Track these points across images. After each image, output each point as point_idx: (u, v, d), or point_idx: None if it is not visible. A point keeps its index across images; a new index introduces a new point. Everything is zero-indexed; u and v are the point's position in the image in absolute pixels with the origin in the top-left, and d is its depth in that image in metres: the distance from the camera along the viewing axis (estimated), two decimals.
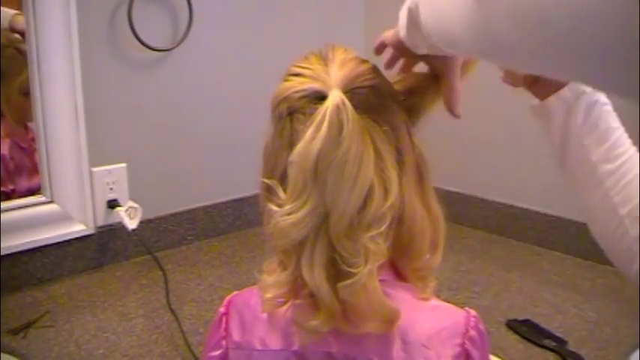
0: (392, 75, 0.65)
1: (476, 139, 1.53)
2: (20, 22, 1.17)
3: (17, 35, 1.19)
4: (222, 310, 0.62)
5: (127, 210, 1.30)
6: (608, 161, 0.65)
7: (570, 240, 1.37)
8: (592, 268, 1.31)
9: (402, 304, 0.54)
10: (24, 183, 1.25)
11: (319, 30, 1.60)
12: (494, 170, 1.52)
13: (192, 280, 1.28)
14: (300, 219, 0.50)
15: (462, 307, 0.59)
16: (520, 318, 1.09)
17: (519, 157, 1.46)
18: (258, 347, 0.57)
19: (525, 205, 1.46)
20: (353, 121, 0.50)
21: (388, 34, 0.66)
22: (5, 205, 1.18)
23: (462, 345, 0.55)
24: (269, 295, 0.55)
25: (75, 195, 1.26)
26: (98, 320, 1.10)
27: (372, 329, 0.53)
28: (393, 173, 0.53)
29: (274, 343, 0.57)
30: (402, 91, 0.63)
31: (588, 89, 0.67)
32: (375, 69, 0.58)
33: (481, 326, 0.57)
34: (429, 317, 0.56)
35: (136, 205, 1.31)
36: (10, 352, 0.98)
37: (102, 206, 1.31)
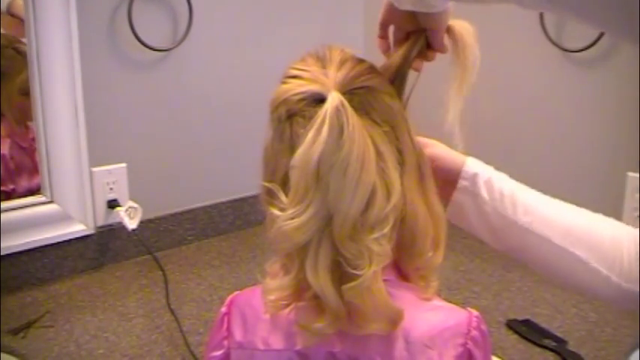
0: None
1: (476, 139, 1.53)
2: (18, 5, 1.16)
3: (15, 35, 1.19)
4: (223, 309, 0.62)
5: (127, 210, 1.30)
6: (530, 214, 0.69)
7: None
8: None
9: (405, 304, 0.54)
10: (24, 183, 1.24)
11: (319, 30, 1.60)
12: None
13: (192, 280, 1.28)
14: (303, 223, 0.50)
15: (463, 308, 0.59)
16: (520, 318, 1.09)
17: (519, 157, 1.46)
18: (261, 347, 0.57)
19: None
20: (353, 122, 0.49)
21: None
22: (5, 205, 1.18)
23: (465, 345, 0.55)
24: (272, 298, 0.55)
25: (75, 195, 1.26)
26: (98, 320, 1.10)
27: (375, 330, 0.53)
28: (394, 174, 0.53)
29: (277, 343, 0.57)
30: (393, 69, 0.62)
31: (479, 170, 0.71)
32: (373, 68, 0.58)
33: (483, 326, 0.57)
34: (432, 317, 0.56)
35: (135, 205, 1.31)
36: (10, 352, 0.98)
37: (102, 206, 1.31)
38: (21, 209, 1.20)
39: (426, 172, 0.60)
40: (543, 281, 1.25)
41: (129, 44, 1.30)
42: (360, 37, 1.65)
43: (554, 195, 0.72)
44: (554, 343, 1.00)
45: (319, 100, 0.52)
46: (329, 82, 0.54)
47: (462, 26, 0.65)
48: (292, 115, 0.55)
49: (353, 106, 0.51)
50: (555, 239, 0.67)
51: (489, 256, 1.40)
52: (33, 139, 1.23)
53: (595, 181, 1.28)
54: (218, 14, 1.44)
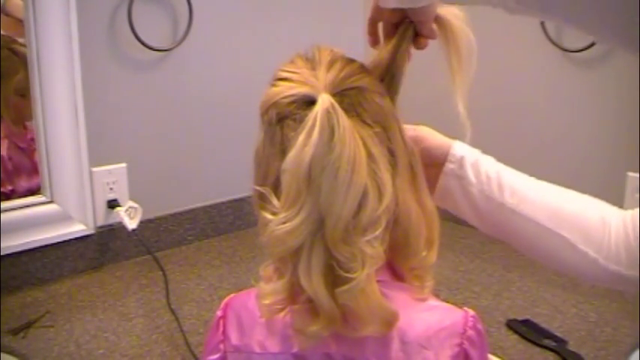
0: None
1: (476, 139, 1.52)
2: (13, 4, 1.15)
3: (10, 35, 1.18)
4: (219, 313, 0.62)
5: (126, 210, 1.30)
6: (516, 196, 0.68)
7: None
8: None
9: (400, 305, 0.54)
10: (23, 183, 1.25)
11: (319, 30, 1.60)
12: None
13: (192, 280, 1.28)
14: (295, 227, 0.50)
15: (462, 307, 0.59)
16: (520, 318, 1.09)
17: (519, 157, 1.45)
18: (257, 350, 0.57)
19: None
20: (344, 124, 0.49)
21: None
22: (5, 205, 1.18)
23: (461, 345, 0.55)
24: (266, 302, 0.55)
25: (75, 195, 1.26)
26: (98, 320, 1.10)
27: (371, 332, 0.52)
28: (386, 175, 0.52)
29: (273, 346, 0.57)
30: (383, 65, 0.61)
31: (466, 153, 0.71)
32: (363, 68, 0.58)
33: (479, 326, 0.57)
34: (428, 318, 0.56)
35: (135, 205, 1.32)
36: (10, 352, 0.98)
37: (102, 206, 1.31)
38: (21, 209, 1.20)
39: (418, 172, 0.59)
40: (543, 281, 1.25)
41: (129, 44, 1.30)
42: (360, 37, 1.64)
43: None
44: (554, 343, 1.00)
45: (309, 102, 0.52)
46: (319, 83, 0.53)
47: (448, 12, 0.65)
48: (283, 118, 0.54)
49: (343, 108, 0.51)
50: (542, 221, 0.67)
51: (489, 256, 1.39)
52: (31, 140, 1.23)
53: (595, 181, 1.27)
54: (218, 14, 1.44)
